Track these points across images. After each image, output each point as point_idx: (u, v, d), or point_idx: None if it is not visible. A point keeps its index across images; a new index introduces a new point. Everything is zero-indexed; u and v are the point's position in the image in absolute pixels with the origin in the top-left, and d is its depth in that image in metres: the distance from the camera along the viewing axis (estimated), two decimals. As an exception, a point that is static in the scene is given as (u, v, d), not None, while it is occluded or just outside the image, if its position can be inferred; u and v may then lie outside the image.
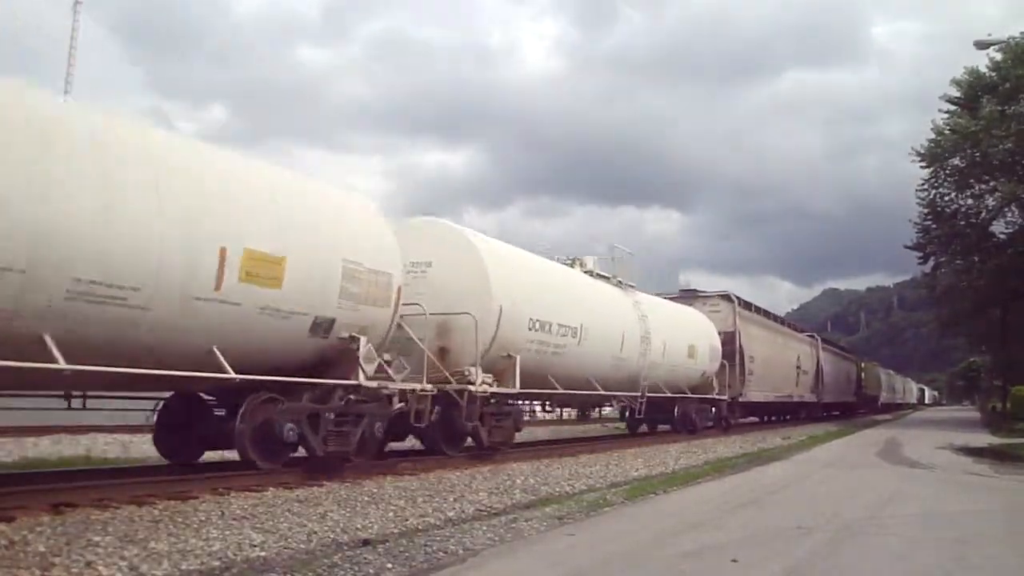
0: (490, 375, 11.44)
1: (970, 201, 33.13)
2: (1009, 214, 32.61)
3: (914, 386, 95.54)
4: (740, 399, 22.81)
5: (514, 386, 11.78)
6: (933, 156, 31.74)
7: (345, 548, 5.44)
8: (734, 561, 5.14)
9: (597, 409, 27.70)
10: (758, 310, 27.84)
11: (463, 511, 7.24)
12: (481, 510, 7.36)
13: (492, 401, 11.76)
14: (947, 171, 32.38)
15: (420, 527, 6.37)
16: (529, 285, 12.75)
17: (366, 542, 5.61)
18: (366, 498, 7.61)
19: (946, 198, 33.35)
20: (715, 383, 20.91)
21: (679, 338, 18.76)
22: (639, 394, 16.73)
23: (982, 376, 73.22)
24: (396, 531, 6.17)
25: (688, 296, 23.67)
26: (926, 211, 33.70)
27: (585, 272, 16.08)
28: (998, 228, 33.38)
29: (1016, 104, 28.45)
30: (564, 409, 29.25)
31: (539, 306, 12.66)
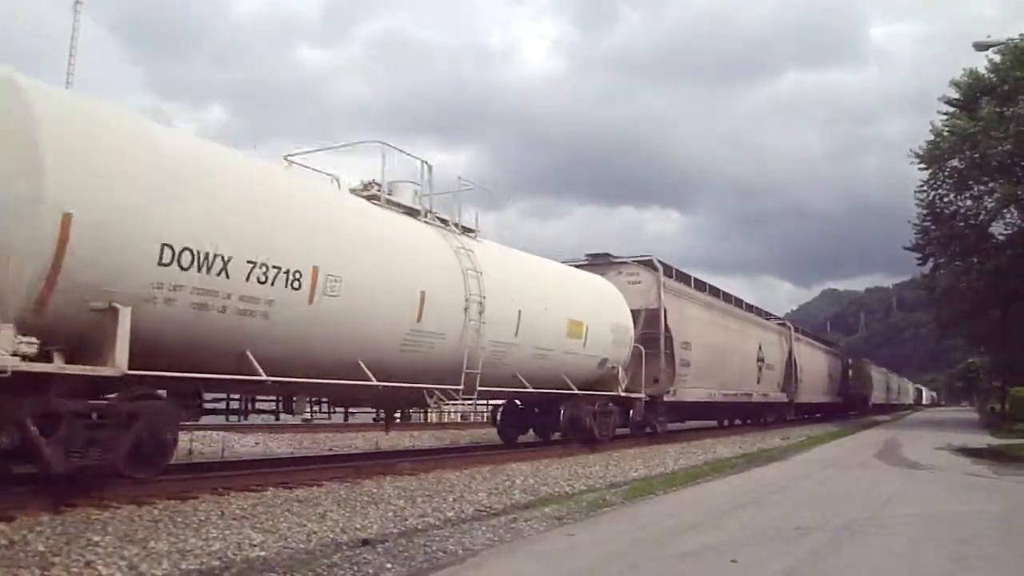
0: (35, 340, 6.09)
1: (969, 202, 33.17)
2: (1008, 215, 32.66)
3: (911, 386, 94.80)
4: (667, 397, 17.55)
5: (114, 363, 6.51)
6: (932, 157, 31.78)
7: (344, 548, 5.45)
8: (734, 561, 5.15)
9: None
10: (700, 285, 22.01)
11: (462, 511, 7.25)
12: (480, 510, 7.37)
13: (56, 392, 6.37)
14: (946, 172, 32.40)
15: (419, 527, 6.38)
16: (175, 185, 7.22)
17: (365, 542, 5.62)
18: (365, 498, 7.63)
19: (945, 199, 33.39)
20: (621, 375, 15.42)
21: (552, 310, 13.37)
22: (460, 387, 11.17)
23: (981, 377, 73.25)
24: (395, 531, 6.18)
25: (600, 263, 18.02)
26: (925, 212, 33.76)
27: (367, 197, 10.59)
28: (997, 229, 33.45)
29: (1015, 106, 28.44)
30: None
31: (197, 226, 7.24)
